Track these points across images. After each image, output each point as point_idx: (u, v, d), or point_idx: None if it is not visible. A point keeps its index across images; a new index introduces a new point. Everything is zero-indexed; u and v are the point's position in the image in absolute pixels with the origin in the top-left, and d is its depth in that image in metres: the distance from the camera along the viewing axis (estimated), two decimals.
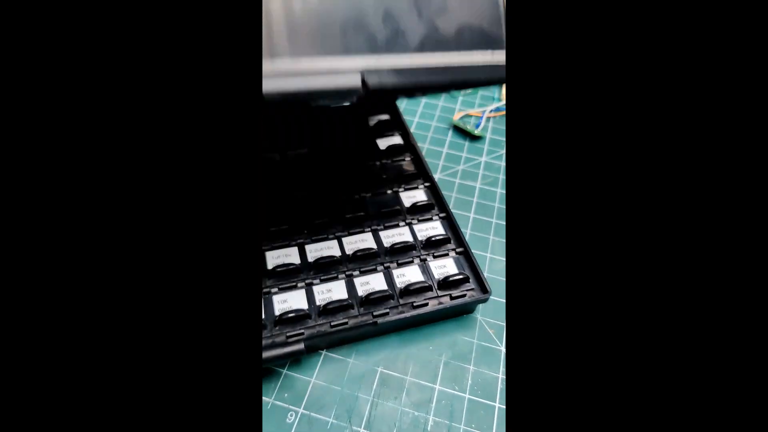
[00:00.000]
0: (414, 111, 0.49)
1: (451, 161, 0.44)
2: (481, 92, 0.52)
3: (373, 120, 0.42)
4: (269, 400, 0.28)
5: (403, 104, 0.49)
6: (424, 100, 0.50)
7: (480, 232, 0.38)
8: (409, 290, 0.30)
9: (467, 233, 0.38)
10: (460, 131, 0.47)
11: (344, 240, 0.33)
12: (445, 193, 0.38)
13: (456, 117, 0.47)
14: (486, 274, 0.34)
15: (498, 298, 0.34)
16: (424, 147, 0.45)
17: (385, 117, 0.43)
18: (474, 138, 0.46)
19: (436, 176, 0.42)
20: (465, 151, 0.45)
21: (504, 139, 0.47)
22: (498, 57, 0.25)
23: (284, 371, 0.29)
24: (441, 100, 0.50)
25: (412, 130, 0.46)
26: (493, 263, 0.36)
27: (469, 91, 0.51)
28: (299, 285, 0.30)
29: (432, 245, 0.33)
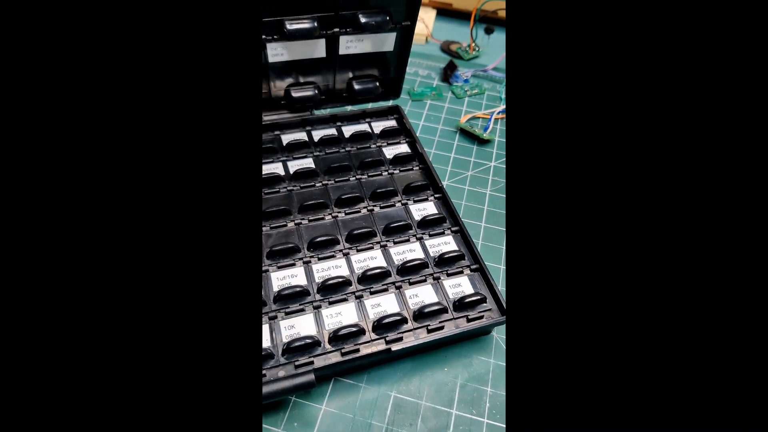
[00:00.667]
0: (419, 114, 0.47)
1: (460, 167, 0.42)
2: (488, 93, 0.50)
3: (379, 127, 0.41)
4: (278, 431, 0.27)
5: (407, 107, 0.47)
6: (429, 102, 0.48)
7: (492, 243, 0.37)
8: (423, 313, 0.29)
9: (479, 243, 0.36)
10: (468, 135, 0.45)
11: (352, 258, 0.31)
12: (454, 201, 0.37)
13: (463, 120, 0.45)
14: (500, 287, 0.32)
15: None
16: (430, 152, 0.43)
17: (391, 123, 0.41)
18: (482, 142, 0.44)
19: (445, 183, 0.40)
20: (473, 155, 0.43)
21: None
22: None
23: (293, 399, 0.28)
24: (447, 102, 0.48)
25: (418, 134, 0.44)
26: None
27: (476, 91, 0.49)
28: (307, 309, 0.29)
29: (445, 262, 0.32)
